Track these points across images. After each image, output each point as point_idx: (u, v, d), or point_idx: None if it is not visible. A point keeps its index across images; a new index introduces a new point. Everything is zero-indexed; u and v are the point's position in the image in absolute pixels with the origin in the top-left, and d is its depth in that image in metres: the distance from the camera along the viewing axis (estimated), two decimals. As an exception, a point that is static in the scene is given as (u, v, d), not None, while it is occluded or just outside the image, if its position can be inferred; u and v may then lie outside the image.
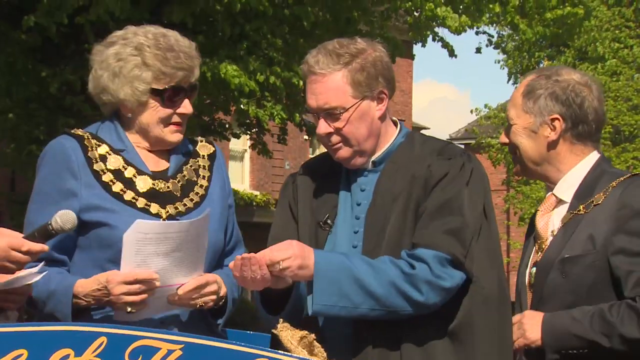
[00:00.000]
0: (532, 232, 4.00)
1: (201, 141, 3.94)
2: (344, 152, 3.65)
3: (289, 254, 3.47)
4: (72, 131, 3.79)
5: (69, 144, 3.73)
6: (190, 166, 3.84)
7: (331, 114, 3.61)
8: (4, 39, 13.34)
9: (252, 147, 18.03)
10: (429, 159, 3.64)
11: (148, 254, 3.49)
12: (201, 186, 3.81)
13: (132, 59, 3.70)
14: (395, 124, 3.79)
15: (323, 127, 3.63)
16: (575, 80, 3.86)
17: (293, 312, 3.59)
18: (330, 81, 3.60)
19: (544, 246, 3.84)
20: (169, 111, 3.73)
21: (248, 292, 3.95)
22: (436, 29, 16.23)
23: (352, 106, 3.60)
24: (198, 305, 3.60)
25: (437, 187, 3.59)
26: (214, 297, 3.63)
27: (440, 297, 3.50)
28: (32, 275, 3.40)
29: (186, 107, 3.74)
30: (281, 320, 3.39)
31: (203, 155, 3.89)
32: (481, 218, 3.60)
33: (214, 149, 3.93)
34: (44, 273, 3.43)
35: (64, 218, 3.42)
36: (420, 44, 16.26)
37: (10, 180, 20.48)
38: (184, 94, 3.73)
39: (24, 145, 14.41)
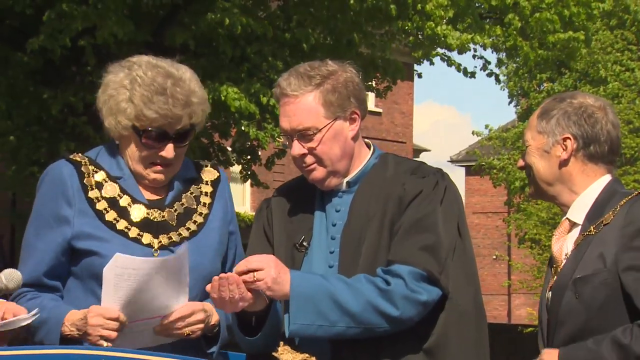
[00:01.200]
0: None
1: (206, 166, 3.92)
2: (318, 172, 3.67)
3: (264, 265, 3.48)
4: (71, 156, 3.79)
5: (66, 169, 3.73)
6: (191, 193, 3.82)
7: (304, 135, 3.64)
8: (5, 62, 13.38)
9: (243, 178, 17.94)
10: (403, 178, 3.68)
11: (127, 287, 3.49)
12: (200, 214, 3.79)
13: (122, 91, 3.66)
14: (368, 145, 3.82)
15: (297, 148, 3.65)
16: (589, 103, 3.91)
17: (270, 334, 3.59)
18: (302, 102, 3.63)
19: (559, 269, 3.86)
20: (148, 152, 3.68)
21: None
22: (438, 50, 16.28)
23: (325, 127, 3.63)
24: (185, 335, 3.60)
25: (411, 204, 3.63)
26: (201, 325, 3.62)
27: (416, 311, 3.52)
28: (26, 317, 3.46)
29: (168, 152, 3.67)
30: (281, 343, 3.41)
31: (207, 182, 3.87)
32: (455, 236, 3.64)
33: (218, 174, 3.90)
34: (37, 315, 3.48)
35: (9, 277, 3.46)
36: (421, 66, 16.30)
37: (10, 202, 20.48)
38: (167, 138, 3.66)
39: (25, 168, 14.42)
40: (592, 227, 3.80)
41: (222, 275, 3.48)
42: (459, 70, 16.46)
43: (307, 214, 3.75)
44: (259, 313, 3.58)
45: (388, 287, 3.51)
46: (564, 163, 3.88)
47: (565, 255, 3.86)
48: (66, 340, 3.56)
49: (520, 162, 3.97)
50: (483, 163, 28.52)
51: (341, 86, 3.66)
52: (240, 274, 3.47)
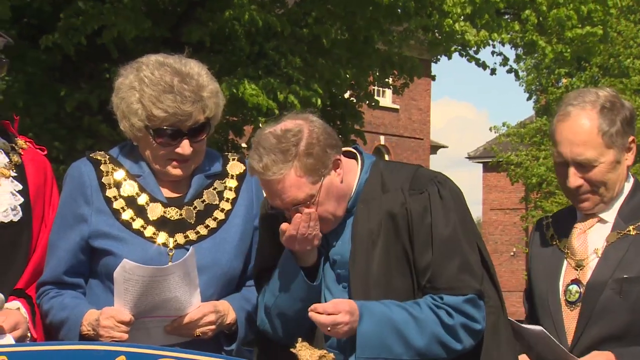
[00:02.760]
0: (544, 243, 3.97)
1: (233, 159, 3.91)
2: (324, 228, 3.62)
3: (345, 309, 3.50)
4: (92, 155, 3.81)
5: (85, 168, 3.76)
6: (214, 188, 3.81)
7: (300, 207, 3.56)
8: (22, 59, 13.43)
9: None
10: (401, 196, 3.63)
11: (135, 291, 3.52)
12: (222, 210, 3.79)
13: (132, 93, 3.67)
14: (353, 155, 3.74)
15: (297, 217, 3.57)
16: (630, 105, 3.89)
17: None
18: (287, 181, 3.53)
19: (584, 264, 3.83)
20: (164, 150, 3.68)
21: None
22: (455, 47, 16.25)
23: (318, 191, 3.56)
24: (195, 335, 3.62)
25: (422, 225, 3.59)
26: (212, 327, 3.64)
27: (476, 339, 3.59)
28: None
29: (184, 148, 3.67)
30: (299, 339, 3.41)
31: (232, 175, 3.86)
32: (473, 241, 3.66)
33: (244, 167, 3.87)
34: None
35: None
36: (438, 64, 16.33)
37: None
38: (181, 136, 3.66)
39: (44, 165, 14.47)
40: (631, 227, 3.80)
41: (307, 210, 3.50)
42: (478, 65, 16.41)
43: None
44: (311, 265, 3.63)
45: (452, 322, 3.54)
46: (627, 167, 3.86)
47: (595, 251, 3.84)
48: (85, 339, 3.58)
49: (579, 181, 3.82)
50: (501, 159, 28.49)
51: (315, 146, 3.55)
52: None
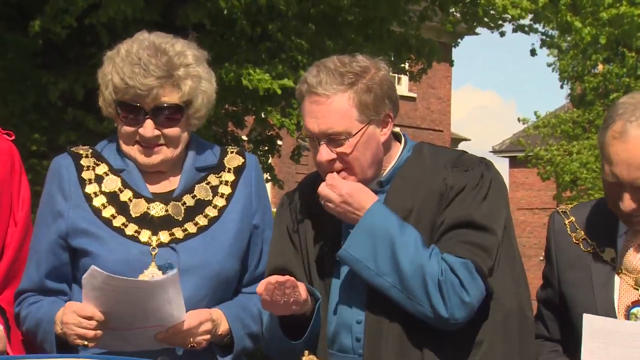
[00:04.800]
0: (572, 246, 3.93)
1: (232, 152, 3.93)
2: (349, 176, 3.66)
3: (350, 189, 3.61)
4: (74, 148, 3.84)
5: (64, 162, 3.80)
6: (207, 183, 3.83)
7: (335, 140, 3.64)
8: (2, 43, 13.42)
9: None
10: (444, 172, 3.69)
11: (106, 300, 3.51)
12: (215, 207, 3.80)
13: (108, 63, 3.75)
14: (398, 136, 3.83)
15: (325, 153, 3.64)
16: None
17: (311, 338, 3.67)
18: (334, 104, 3.62)
19: None
20: (128, 129, 3.74)
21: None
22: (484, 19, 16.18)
23: (358, 132, 3.62)
24: (188, 346, 3.62)
25: (455, 200, 3.65)
26: (207, 336, 3.65)
27: (462, 314, 3.56)
28: None
29: (145, 129, 3.71)
30: (306, 352, 3.46)
31: (229, 169, 3.88)
32: (502, 233, 3.67)
33: (243, 160, 3.90)
34: None
35: None
36: (458, 48, 16.29)
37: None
38: (143, 114, 3.70)
39: (23, 160, 14.44)
40: None
41: (280, 278, 3.50)
42: (522, 31, 16.28)
43: (334, 216, 3.74)
44: (302, 316, 3.66)
45: (441, 277, 3.54)
46: None
47: None
48: (68, 346, 3.59)
49: (633, 205, 3.74)
50: (530, 154, 28.42)
51: (376, 86, 3.65)
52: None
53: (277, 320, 3.68)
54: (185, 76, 3.70)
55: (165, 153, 3.75)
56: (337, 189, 3.61)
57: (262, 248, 3.87)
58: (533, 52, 16.97)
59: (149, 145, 3.73)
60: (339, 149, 3.64)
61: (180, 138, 3.76)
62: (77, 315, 3.52)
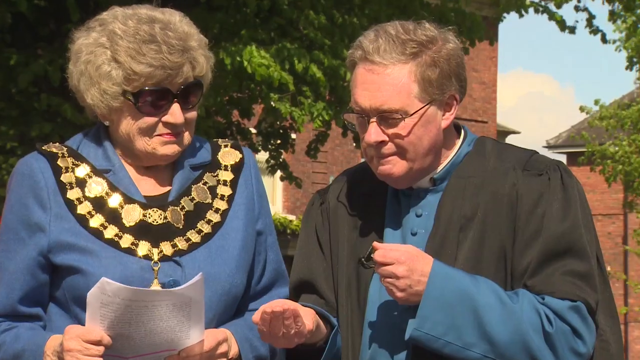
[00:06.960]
0: None
1: (225, 146, 3.93)
2: (397, 168, 3.64)
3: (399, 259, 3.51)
4: (45, 147, 3.80)
5: (37, 164, 3.75)
6: (205, 183, 3.82)
7: (388, 119, 3.61)
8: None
9: (271, 170, 17.96)
10: (513, 175, 3.65)
11: (116, 319, 3.49)
12: (216, 211, 3.80)
13: (101, 52, 3.68)
14: (457, 128, 3.80)
15: (375, 133, 3.62)
16: None
17: None
18: (392, 76, 3.60)
19: None
20: (150, 120, 3.70)
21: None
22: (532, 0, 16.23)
23: (417, 111, 3.60)
24: None
25: (533, 215, 3.59)
26: (224, 359, 3.65)
27: None
28: None
29: (174, 115, 3.69)
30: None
31: (225, 166, 3.88)
32: (595, 248, 3.64)
33: (241, 155, 3.90)
34: None
35: None
36: (508, 23, 16.33)
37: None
38: (170, 98, 3.69)
39: (-14, 157, 14.52)
40: None
41: (275, 307, 3.48)
42: (563, 30, 16.38)
43: (376, 217, 3.74)
44: (315, 344, 3.64)
45: (551, 330, 3.51)
46: None
47: None
48: None
49: None
50: (593, 150, 28.38)
51: (443, 60, 3.64)
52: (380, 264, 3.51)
53: (283, 351, 3.68)
54: (198, 46, 3.73)
55: (187, 139, 3.76)
56: (390, 259, 3.52)
57: (266, 257, 3.87)
58: (572, 30, 16.98)
59: (177, 133, 3.72)
60: (392, 130, 3.61)
61: (194, 123, 3.79)
62: (81, 340, 3.50)
